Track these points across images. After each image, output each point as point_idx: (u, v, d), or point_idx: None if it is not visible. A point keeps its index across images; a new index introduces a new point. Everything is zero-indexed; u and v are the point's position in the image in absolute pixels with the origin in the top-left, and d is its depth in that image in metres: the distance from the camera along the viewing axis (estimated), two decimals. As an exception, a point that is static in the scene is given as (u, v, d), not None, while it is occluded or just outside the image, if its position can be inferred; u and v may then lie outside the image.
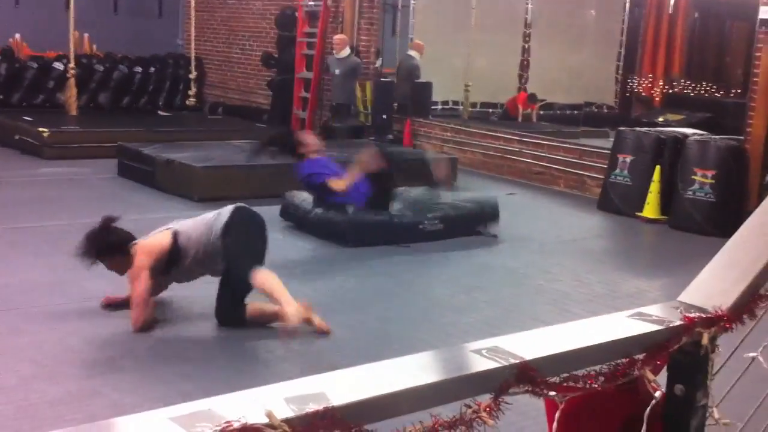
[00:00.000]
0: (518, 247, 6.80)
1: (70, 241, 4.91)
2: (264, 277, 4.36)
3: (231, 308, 4.43)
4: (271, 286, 4.33)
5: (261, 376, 3.92)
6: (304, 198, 6.92)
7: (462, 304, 5.25)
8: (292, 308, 4.24)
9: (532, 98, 13.88)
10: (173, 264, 4.45)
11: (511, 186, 9.84)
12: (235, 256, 4.39)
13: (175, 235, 4.44)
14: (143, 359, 4.04)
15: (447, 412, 1.19)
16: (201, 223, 4.52)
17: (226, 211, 4.55)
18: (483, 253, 6.57)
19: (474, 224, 7.01)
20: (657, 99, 16.73)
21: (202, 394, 3.46)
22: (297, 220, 6.87)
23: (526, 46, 14.73)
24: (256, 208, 7.07)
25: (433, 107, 12.80)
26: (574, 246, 7.05)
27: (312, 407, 1.07)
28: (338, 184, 6.36)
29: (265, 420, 1.03)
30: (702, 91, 15.83)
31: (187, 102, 12.93)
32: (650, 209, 8.08)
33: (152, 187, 8.05)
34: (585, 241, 7.35)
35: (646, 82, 16.68)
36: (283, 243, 6.44)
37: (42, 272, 5.22)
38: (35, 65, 12.99)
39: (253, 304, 4.47)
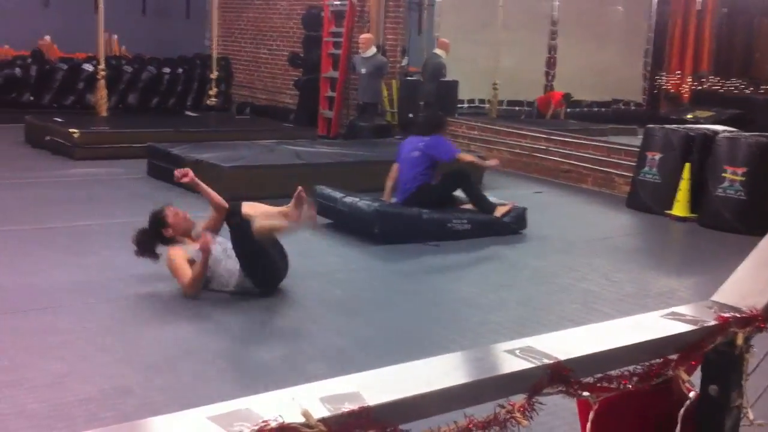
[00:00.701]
0: (546, 246, 6.77)
1: (100, 241, 4.98)
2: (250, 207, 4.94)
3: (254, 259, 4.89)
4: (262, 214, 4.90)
5: (289, 374, 3.94)
6: (332, 192, 6.97)
7: (490, 303, 5.24)
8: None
9: (567, 98, 13.83)
10: None
11: (538, 184, 9.80)
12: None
13: None
14: (173, 358, 4.07)
15: (480, 412, 1.19)
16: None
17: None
18: (511, 252, 6.55)
19: (501, 226, 6.98)
20: (685, 96, 16.57)
21: (233, 392, 3.49)
22: (326, 210, 6.89)
23: (553, 43, 14.66)
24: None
25: (459, 106, 12.77)
26: (602, 244, 7.00)
27: (347, 407, 1.08)
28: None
29: (302, 419, 1.04)
30: (731, 88, 15.65)
31: (208, 102, 13.03)
32: (680, 207, 8.01)
33: (181, 187, 8.08)
34: (614, 240, 7.30)
35: (674, 78, 16.53)
36: (311, 242, 6.47)
37: (73, 271, 5.28)
38: (65, 67, 13.14)
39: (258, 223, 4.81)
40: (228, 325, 4.57)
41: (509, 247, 6.66)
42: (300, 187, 5.00)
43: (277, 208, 5.12)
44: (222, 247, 4.99)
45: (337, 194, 6.93)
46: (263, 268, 4.96)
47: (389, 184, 7.22)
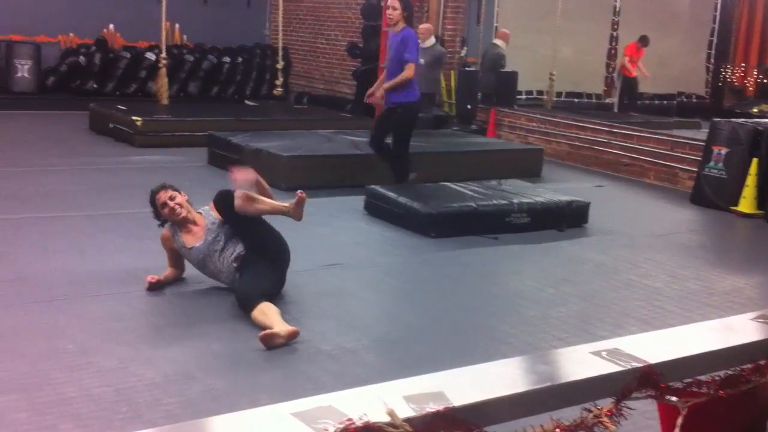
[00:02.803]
0: (607, 241, 6.65)
1: (160, 228, 5.04)
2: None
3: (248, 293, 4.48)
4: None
5: (348, 367, 3.93)
6: (385, 191, 6.92)
7: (550, 298, 5.16)
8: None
9: (643, 40, 13.56)
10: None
11: (598, 178, 9.65)
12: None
13: None
14: (234, 346, 4.10)
15: (565, 415, 1.16)
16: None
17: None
18: (571, 246, 6.46)
19: (561, 219, 6.88)
20: (750, 89, 16.15)
21: (292, 384, 3.48)
22: (381, 212, 6.87)
23: (614, 34, 14.41)
24: (341, 198, 7.22)
25: (518, 97, 12.64)
26: (665, 240, 6.86)
27: (432, 407, 1.06)
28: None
29: (387, 419, 1.02)
30: (798, 81, 15.22)
31: (275, 92, 13.08)
32: (746, 203, 7.80)
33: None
34: (677, 236, 7.14)
35: (739, 71, 16.12)
36: (366, 233, 6.47)
37: (134, 257, 5.35)
38: (128, 55, 13.36)
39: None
40: (287, 314, 4.58)
41: (569, 242, 6.56)
42: (301, 192, 4.66)
43: (279, 203, 4.78)
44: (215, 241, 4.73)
45: (390, 194, 6.85)
46: (263, 237, 4.72)
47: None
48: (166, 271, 4.89)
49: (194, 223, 4.79)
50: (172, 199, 4.74)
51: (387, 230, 6.57)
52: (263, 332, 4.07)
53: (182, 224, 4.78)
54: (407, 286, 5.28)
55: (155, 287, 4.75)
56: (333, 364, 3.95)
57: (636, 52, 13.73)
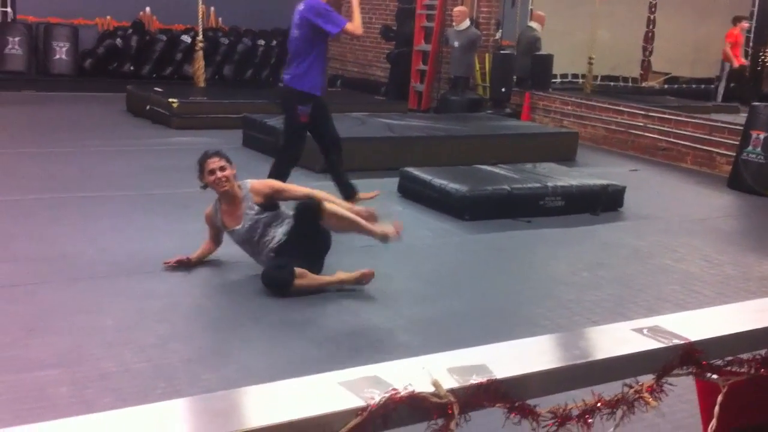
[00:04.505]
0: (643, 225, 6.61)
1: (198, 208, 5.10)
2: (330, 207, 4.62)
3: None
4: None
5: (384, 346, 3.97)
6: (420, 174, 6.92)
7: (585, 282, 5.15)
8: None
9: (736, 20, 13.34)
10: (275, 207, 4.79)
11: (634, 162, 9.57)
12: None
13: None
14: (270, 321, 4.15)
15: (606, 391, 1.17)
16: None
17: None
18: (605, 230, 6.42)
19: (596, 203, 6.84)
20: (791, 72, 15.82)
21: (329, 360, 3.51)
22: (415, 194, 6.89)
23: (652, 17, 14.20)
24: (375, 181, 7.25)
25: (553, 80, 12.53)
26: (702, 225, 6.79)
27: (475, 379, 1.08)
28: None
29: (431, 389, 1.05)
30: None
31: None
32: (785, 189, 7.70)
33: (275, 158, 8.23)
34: (714, 221, 7.06)
35: (780, 54, 15.80)
36: (401, 216, 6.48)
37: (172, 237, 5.43)
38: (164, 38, 13.45)
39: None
40: (323, 293, 4.61)
41: (604, 226, 6.53)
42: (397, 231, 4.73)
43: (370, 227, 4.72)
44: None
45: (426, 176, 6.85)
46: (312, 237, 4.72)
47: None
48: (199, 250, 4.94)
49: (234, 201, 4.73)
50: (222, 169, 4.65)
51: (421, 213, 6.58)
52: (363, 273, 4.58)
53: (222, 198, 4.77)
54: (442, 268, 5.30)
55: (184, 265, 4.81)
56: (370, 344, 3.98)
57: (737, 37, 13.46)
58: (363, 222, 4.66)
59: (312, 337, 4.02)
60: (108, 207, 6.11)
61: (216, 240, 4.98)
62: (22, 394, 3.25)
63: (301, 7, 6.08)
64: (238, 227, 4.73)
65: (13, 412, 3.11)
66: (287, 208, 4.83)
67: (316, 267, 4.71)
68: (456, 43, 11.45)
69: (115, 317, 4.09)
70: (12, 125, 9.37)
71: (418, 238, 5.92)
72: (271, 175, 6.00)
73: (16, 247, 5.06)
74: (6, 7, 12.85)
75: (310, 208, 4.58)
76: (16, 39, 12.53)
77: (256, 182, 4.84)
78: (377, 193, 6.48)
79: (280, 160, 6.33)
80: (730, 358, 1.27)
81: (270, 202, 4.74)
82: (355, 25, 6.10)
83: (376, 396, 1.02)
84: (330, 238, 4.84)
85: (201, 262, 4.93)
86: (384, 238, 4.71)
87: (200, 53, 11.73)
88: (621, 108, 10.57)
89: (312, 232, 4.69)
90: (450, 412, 1.03)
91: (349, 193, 6.34)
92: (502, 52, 12.07)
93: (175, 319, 4.12)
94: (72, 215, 5.85)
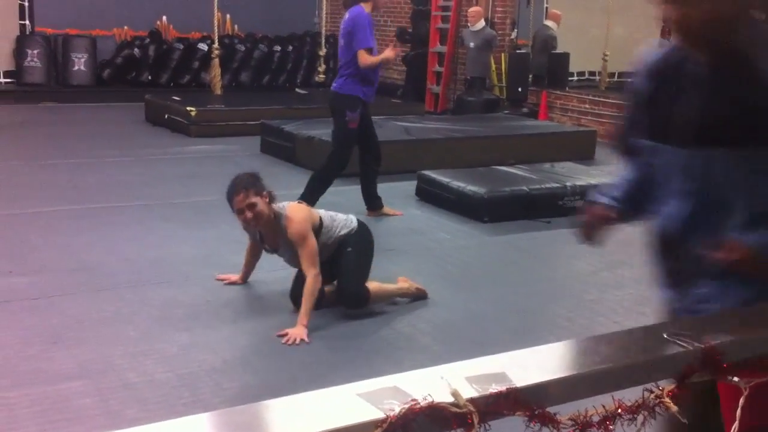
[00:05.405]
0: (664, 223, 6.56)
1: (218, 216, 5.12)
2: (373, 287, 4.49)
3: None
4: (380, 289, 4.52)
5: (405, 350, 3.97)
6: (437, 176, 6.92)
7: (606, 281, 5.13)
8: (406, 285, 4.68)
9: None
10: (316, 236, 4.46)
11: (653, 159, 9.50)
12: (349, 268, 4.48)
13: (320, 214, 4.49)
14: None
15: (626, 396, 1.17)
16: (333, 216, 4.55)
17: (353, 219, 4.60)
18: (627, 228, 6.36)
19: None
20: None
21: (351, 368, 3.51)
22: (433, 197, 6.89)
23: (669, 12, 14.10)
24: (393, 184, 7.24)
25: (569, 78, 12.49)
26: (724, 221, 6.72)
27: (495, 388, 1.08)
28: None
29: (451, 399, 1.05)
30: None
31: (317, 78, 13.18)
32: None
33: (293, 164, 8.27)
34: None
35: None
36: (420, 218, 6.49)
37: (193, 245, 5.46)
38: (181, 47, 13.54)
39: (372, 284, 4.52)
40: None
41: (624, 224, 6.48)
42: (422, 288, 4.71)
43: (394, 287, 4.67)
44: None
45: (444, 179, 6.84)
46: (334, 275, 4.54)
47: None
48: (243, 268, 4.79)
49: (269, 227, 4.35)
50: (250, 207, 4.18)
51: (439, 215, 6.58)
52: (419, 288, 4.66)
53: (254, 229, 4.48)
54: (462, 270, 5.29)
55: (232, 283, 4.77)
56: (390, 348, 3.99)
57: None
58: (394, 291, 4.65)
59: (332, 345, 4.03)
60: (128, 216, 6.16)
61: (255, 254, 4.76)
62: (46, 407, 3.27)
63: (346, 16, 6.28)
64: (279, 250, 4.49)
65: (39, 425, 3.13)
66: (331, 229, 4.48)
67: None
68: (471, 44, 11.44)
69: (138, 327, 4.12)
70: (32, 137, 9.46)
71: (438, 240, 5.92)
72: (316, 180, 6.19)
73: (38, 259, 5.10)
74: (24, 19, 12.98)
75: (360, 300, 4.44)
76: (35, 51, 12.66)
77: (291, 224, 4.28)
78: (401, 213, 6.54)
79: (328, 166, 6.32)
80: (751, 358, 1.26)
81: None
82: (368, 59, 6.16)
83: (396, 407, 1.03)
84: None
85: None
86: (421, 292, 4.71)
87: (216, 61, 11.80)
88: (639, 105, 10.49)
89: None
90: (470, 421, 1.03)
91: (374, 206, 6.38)
92: (517, 51, 12.04)
93: (197, 328, 4.14)
94: (93, 225, 5.89)
